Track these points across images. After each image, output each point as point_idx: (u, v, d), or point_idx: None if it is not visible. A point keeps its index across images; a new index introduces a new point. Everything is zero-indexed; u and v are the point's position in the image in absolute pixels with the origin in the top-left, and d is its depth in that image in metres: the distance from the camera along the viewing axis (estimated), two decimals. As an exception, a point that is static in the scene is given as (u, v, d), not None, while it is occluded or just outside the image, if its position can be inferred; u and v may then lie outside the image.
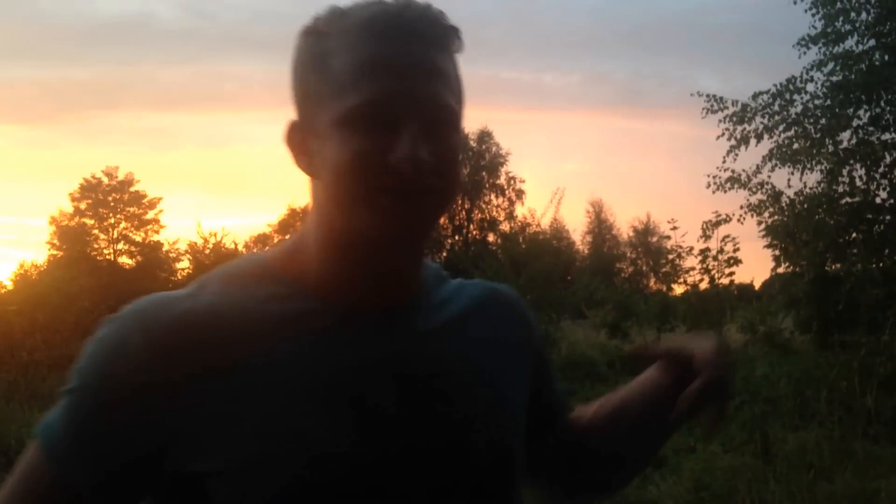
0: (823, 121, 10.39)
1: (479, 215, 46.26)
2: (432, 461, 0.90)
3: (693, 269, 12.74)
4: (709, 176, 11.34)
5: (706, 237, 11.85)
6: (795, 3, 10.61)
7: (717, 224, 11.57)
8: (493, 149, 45.89)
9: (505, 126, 65.60)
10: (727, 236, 11.96)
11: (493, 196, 46.23)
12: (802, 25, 11.03)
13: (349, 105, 0.84)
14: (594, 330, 15.38)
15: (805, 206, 10.60)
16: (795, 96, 10.67)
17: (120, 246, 39.85)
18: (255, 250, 44.22)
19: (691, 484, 5.40)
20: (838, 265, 10.79)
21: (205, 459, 0.82)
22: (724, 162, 11.21)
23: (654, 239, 44.89)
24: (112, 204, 39.55)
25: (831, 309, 10.29)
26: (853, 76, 10.14)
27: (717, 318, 12.17)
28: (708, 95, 11.13)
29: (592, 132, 66.81)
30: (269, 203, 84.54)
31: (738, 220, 11.35)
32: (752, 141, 10.93)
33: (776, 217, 10.94)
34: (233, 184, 64.46)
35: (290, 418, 0.84)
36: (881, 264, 10.21)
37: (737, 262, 12.07)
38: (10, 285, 19.93)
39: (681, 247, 13.08)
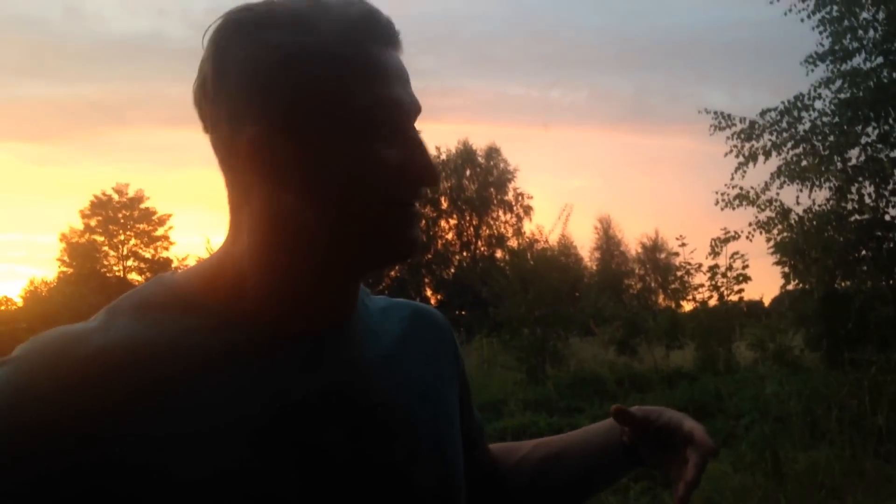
0: (832, 138, 10.39)
1: (487, 231, 46.30)
2: (380, 501, 0.84)
3: (702, 285, 12.74)
4: (717, 193, 11.33)
5: (715, 254, 11.84)
6: (803, 20, 10.62)
7: (726, 241, 11.56)
8: (501, 165, 46.02)
9: (513, 142, 65.80)
10: (736, 253, 11.96)
11: (501, 212, 46.32)
12: (810, 43, 11.06)
13: (364, 104, 0.79)
14: (602, 347, 15.32)
15: (814, 223, 10.57)
16: (803, 113, 10.67)
17: (129, 262, 40.07)
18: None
19: None
20: (848, 282, 10.75)
21: None
22: (732, 179, 11.21)
23: (663, 255, 44.79)
24: (122, 221, 39.77)
25: (841, 326, 10.23)
26: (861, 93, 10.14)
27: (727, 335, 12.14)
28: (715, 112, 11.15)
29: (600, 148, 66.93)
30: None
31: (747, 237, 11.33)
32: (761, 158, 10.92)
33: (785, 234, 10.92)
34: (242, 200, 64.66)
35: (227, 466, 0.74)
36: (891, 282, 10.16)
37: (746, 278, 12.06)
38: (19, 302, 20.04)
39: (689, 263, 13.09)
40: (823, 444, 5.89)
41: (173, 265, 40.56)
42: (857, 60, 10.51)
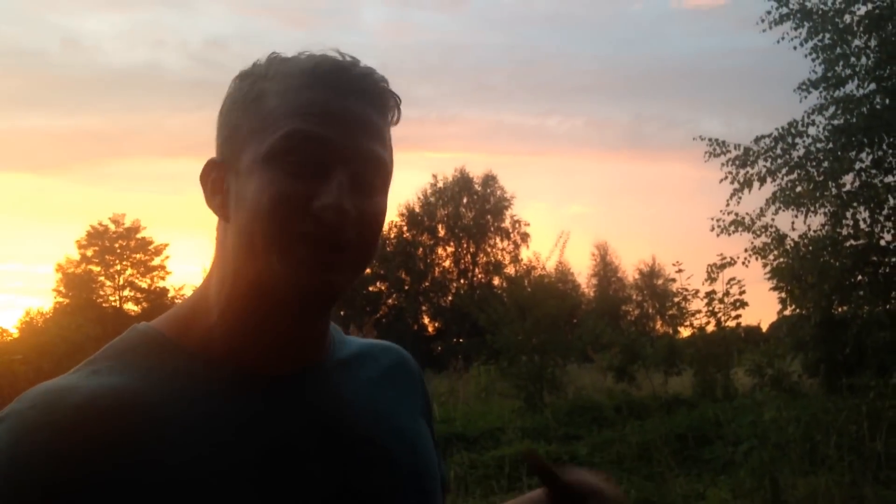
0: (826, 164, 10.45)
1: (485, 258, 46.29)
2: None
3: (699, 311, 12.75)
4: (712, 219, 11.38)
5: (711, 280, 11.86)
6: (795, 48, 10.74)
7: (723, 267, 11.58)
8: (498, 192, 46.12)
9: (509, 169, 66.05)
10: (733, 279, 11.97)
11: (498, 239, 46.32)
12: (803, 70, 11.19)
13: (277, 137, 0.81)
14: (601, 373, 15.27)
15: (810, 248, 10.60)
16: (797, 140, 10.75)
17: (126, 292, 39.95)
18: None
19: (701, 531, 5.33)
20: (845, 308, 10.75)
21: None
22: (727, 205, 11.26)
23: (660, 281, 44.76)
24: (118, 251, 39.74)
25: (839, 352, 10.22)
26: (854, 119, 10.22)
27: (724, 361, 12.12)
28: (710, 139, 11.22)
29: (597, 175, 67.14)
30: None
31: (743, 263, 11.35)
32: (756, 184, 10.98)
33: (781, 259, 10.94)
34: (239, 229, 64.67)
35: None
36: (888, 306, 10.17)
37: (743, 304, 12.06)
38: (15, 333, 19.97)
39: (686, 289, 13.09)
40: (823, 470, 5.86)
41: (170, 294, 40.48)
42: (850, 87, 10.62)
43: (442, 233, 46.45)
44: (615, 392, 12.84)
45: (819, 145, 10.66)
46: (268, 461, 0.80)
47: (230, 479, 0.77)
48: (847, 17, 10.41)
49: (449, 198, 46.24)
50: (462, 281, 45.98)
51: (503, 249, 46.27)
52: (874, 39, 10.30)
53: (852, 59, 10.52)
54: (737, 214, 11.19)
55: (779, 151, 10.81)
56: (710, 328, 12.54)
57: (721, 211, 11.31)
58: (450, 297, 44.44)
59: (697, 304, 12.74)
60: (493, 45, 60.86)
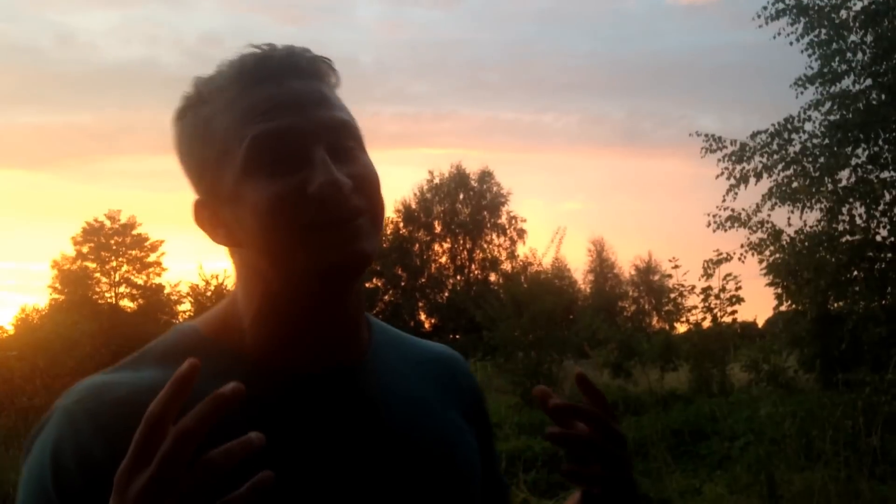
0: (822, 159, 10.46)
1: (481, 255, 46.29)
2: None
3: (695, 307, 12.77)
4: (709, 215, 11.39)
5: (708, 276, 11.87)
6: (792, 44, 10.75)
7: (719, 262, 11.60)
8: (495, 188, 46.10)
9: (505, 166, 65.93)
10: (729, 275, 11.99)
11: (494, 235, 46.31)
12: (799, 65, 11.19)
13: (244, 150, 0.81)
14: (597, 370, 15.29)
15: (806, 244, 10.62)
16: (794, 135, 10.76)
17: (121, 289, 39.85)
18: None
19: (697, 527, 5.34)
20: (841, 303, 10.77)
21: None
22: (723, 201, 11.27)
23: (656, 277, 44.78)
24: (114, 247, 39.65)
25: (835, 347, 10.24)
26: (851, 115, 10.23)
27: (721, 357, 12.14)
28: (706, 135, 11.23)
29: (592, 171, 67.10)
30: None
31: (740, 259, 11.37)
32: (752, 180, 10.99)
33: (777, 255, 10.96)
34: (235, 226, 64.55)
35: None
36: (883, 302, 10.19)
37: (739, 300, 12.08)
38: (11, 330, 19.93)
39: (682, 285, 13.11)
40: (819, 465, 5.88)
41: (165, 291, 40.43)
42: (847, 83, 10.63)
43: (438, 229, 46.44)
44: (611, 388, 12.86)
45: (815, 141, 10.68)
46: (301, 457, 0.82)
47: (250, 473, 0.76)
48: (843, 13, 10.41)
49: (445, 194, 46.23)
50: (458, 277, 45.99)
51: (499, 246, 46.29)
52: (870, 35, 10.30)
53: (848, 54, 10.53)
54: (733, 210, 11.20)
55: (775, 147, 10.83)
56: (707, 324, 12.57)
57: (717, 207, 11.33)
58: (446, 294, 44.46)
59: (694, 300, 12.78)
60: (488, 42, 60.82)
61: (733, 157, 11.04)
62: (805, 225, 10.85)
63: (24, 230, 59.56)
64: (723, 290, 12.05)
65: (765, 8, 10.81)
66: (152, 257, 40.55)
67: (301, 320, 0.86)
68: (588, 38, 61.12)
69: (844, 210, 10.52)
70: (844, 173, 10.57)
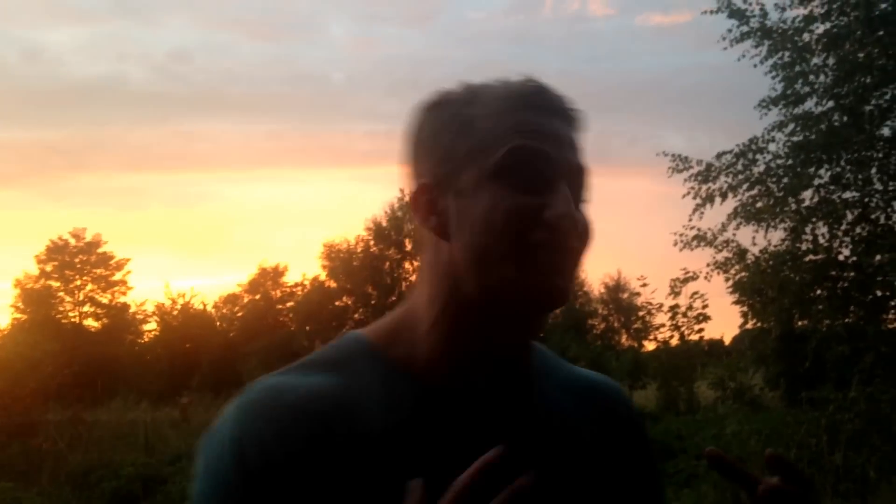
0: (786, 180, 10.60)
1: (451, 273, 46.36)
2: None
3: (663, 325, 12.84)
4: (675, 234, 11.47)
5: (675, 294, 11.95)
6: (756, 66, 10.92)
7: (686, 281, 11.67)
8: (464, 207, 46.27)
9: (476, 185, 66.14)
10: (696, 293, 12.08)
11: (464, 254, 46.44)
12: (763, 87, 11.33)
13: (503, 153, 0.86)
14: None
15: (770, 263, 10.74)
16: (758, 156, 10.88)
17: (86, 308, 39.23)
18: (224, 311, 43.60)
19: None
20: (805, 322, 10.90)
21: None
22: (690, 220, 11.37)
23: (626, 295, 45.10)
24: (79, 266, 39.05)
25: (799, 365, 10.35)
26: (814, 136, 10.39)
27: (688, 375, 12.23)
28: (673, 155, 11.33)
29: (562, 190, 67.59)
30: (239, 263, 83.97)
31: (706, 278, 11.46)
32: (717, 199, 11.10)
33: (742, 274, 11.07)
34: (202, 244, 64.05)
35: None
36: (846, 321, 10.33)
37: (706, 318, 12.16)
38: (-29, 350, 19.41)
39: (651, 303, 13.20)
40: (784, 483, 5.90)
41: (131, 310, 39.86)
42: (810, 104, 10.79)
43: (409, 247, 46.44)
44: (580, 406, 12.88)
45: (779, 161, 10.82)
46: (452, 475, 0.81)
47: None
48: (806, 36, 10.60)
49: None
50: (428, 296, 45.97)
51: (470, 264, 46.41)
52: (832, 58, 10.50)
53: (811, 76, 10.71)
54: (699, 229, 11.30)
55: (740, 167, 10.94)
56: (674, 342, 12.66)
57: (684, 226, 11.42)
58: (416, 312, 44.40)
59: (661, 318, 12.85)
60: (460, 61, 61.08)
61: (699, 177, 11.14)
62: (769, 244, 10.97)
63: (-13, 248, 58.49)
64: (690, 308, 12.14)
65: (730, 30, 10.98)
66: (117, 276, 40.00)
67: (480, 333, 0.88)
68: (558, 57, 61.70)
69: (808, 230, 10.65)
70: (808, 193, 10.71)
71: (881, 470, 5.98)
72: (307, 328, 38.42)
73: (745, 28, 10.86)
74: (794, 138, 10.69)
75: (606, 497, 0.94)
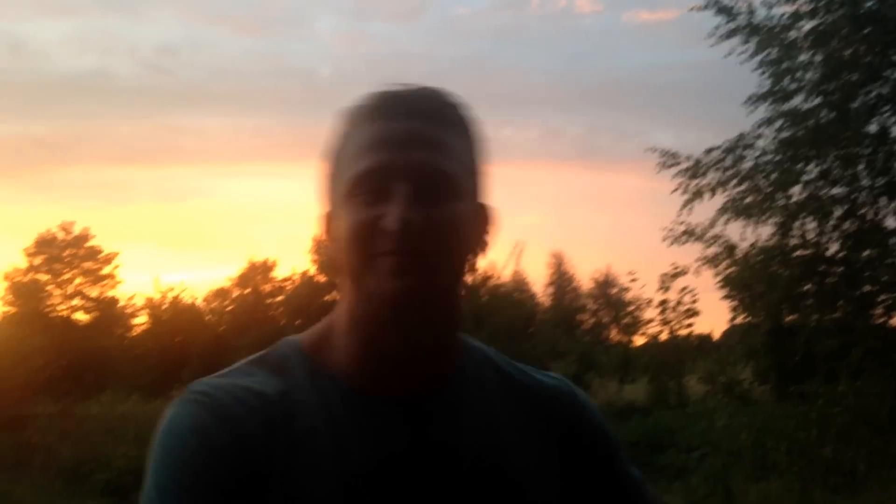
0: (774, 175, 10.66)
1: (441, 268, 46.30)
2: None
3: (653, 320, 12.91)
4: (664, 229, 11.52)
5: (665, 289, 12.02)
6: (743, 63, 10.96)
7: (675, 276, 11.76)
8: (454, 202, 46.17)
9: (465, 179, 65.92)
10: (685, 288, 12.16)
11: (454, 249, 46.36)
12: (751, 84, 11.38)
13: (348, 177, 0.91)
14: (556, 382, 15.35)
15: (759, 258, 10.80)
16: (746, 152, 10.93)
17: (75, 302, 38.99)
18: (213, 305, 43.39)
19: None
20: (794, 316, 10.97)
21: None
22: (679, 216, 11.42)
23: (615, 290, 45.21)
24: (67, 259, 38.80)
25: (789, 359, 10.42)
26: (801, 132, 10.45)
27: (678, 369, 12.29)
28: (662, 151, 11.37)
29: (551, 186, 67.38)
30: (229, 256, 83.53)
31: (695, 273, 11.52)
32: (706, 195, 11.15)
33: (731, 269, 11.12)
34: (191, 238, 63.67)
35: None
36: (835, 315, 10.40)
37: (695, 313, 12.25)
38: (-41, 344, 19.32)
39: (640, 298, 13.28)
40: (774, 476, 5.97)
41: (120, 304, 39.66)
42: (797, 101, 10.85)
43: (398, 242, 46.43)
44: (571, 400, 12.89)
45: (767, 157, 10.87)
46: (376, 474, 0.89)
47: (333, 490, 0.88)
48: (793, 33, 10.66)
49: (405, 207, 46.22)
50: (418, 290, 45.91)
51: (459, 258, 46.33)
52: (819, 55, 10.55)
53: (799, 73, 10.76)
54: (688, 225, 11.35)
55: (728, 163, 10.99)
56: (664, 336, 12.72)
57: (672, 221, 11.47)
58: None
59: (651, 313, 12.92)
60: (447, 57, 60.80)
61: (688, 173, 11.18)
62: (758, 239, 11.04)
63: (-27, 242, 58.02)
64: (679, 303, 12.21)
65: (717, 27, 11.02)
66: (106, 269, 39.76)
67: (379, 338, 0.93)
68: (546, 54, 61.64)
69: (796, 225, 10.71)
70: (796, 189, 10.77)
71: (870, 463, 6.05)
72: (297, 322, 38.32)
73: (732, 25, 10.90)
74: (782, 134, 10.74)
75: (530, 492, 0.97)
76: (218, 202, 60.29)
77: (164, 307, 37.06)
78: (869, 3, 9.89)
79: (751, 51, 10.88)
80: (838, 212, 10.64)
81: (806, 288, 10.74)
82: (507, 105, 62.25)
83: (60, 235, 38.95)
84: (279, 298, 43.06)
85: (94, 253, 39.56)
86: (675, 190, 11.32)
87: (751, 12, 10.67)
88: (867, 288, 10.25)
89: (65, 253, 38.89)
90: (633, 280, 13.26)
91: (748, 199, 10.82)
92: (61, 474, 11.26)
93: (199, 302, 41.99)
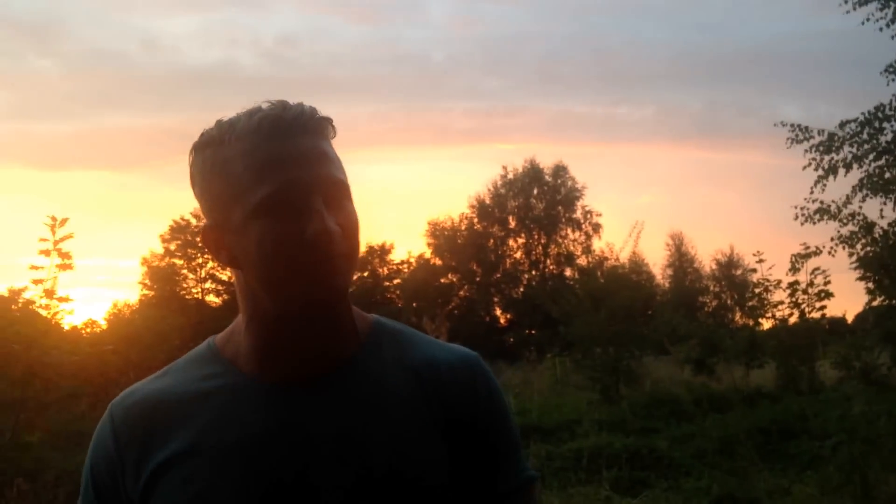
0: (916, 148, 10.04)
1: (556, 250, 46.00)
2: None
3: (781, 302, 12.41)
4: (796, 207, 11.06)
5: (795, 270, 11.53)
6: (882, 30, 10.34)
7: (807, 256, 11.26)
8: (569, 183, 45.71)
9: (579, 160, 65.32)
10: (817, 269, 11.61)
11: (569, 230, 45.95)
12: (889, 52, 10.71)
13: (259, 197, 0.97)
14: (678, 366, 15.01)
15: (899, 236, 10.21)
16: (885, 124, 10.35)
17: (207, 285, 41.06)
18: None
19: (787, 527, 5.21)
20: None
21: None
22: (811, 192, 10.92)
23: (739, 272, 43.64)
24: (200, 244, 40.83)
25: (931, 344, 9.82)
26: (947, 101, 9.79)
27: (809, 354, 11.78)
28: (792, 125, 10.90)
29: (668, 164, 65.65)
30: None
31: (829, 253, 11.00)
32: (841, 171, 10.62)
33: (869, 249, 10.56)
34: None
35: (205, 491, 0.99)
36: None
37: (828, 295, 11.69)
38: (104, 325, 20.73)
39: (768, 280, 12.76)
40: (916, 466, 5.66)
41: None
42: (941, 68, 10.16)
43: (513, 224, 46.37)
44: (694, 385, 12.60)
45: (909, 129, 10.25)
46: (246, 454, 1.01)
47: (220, 459, 1.00)
48: (939, -5, 9.96)
49: (519, 189, 46.09)
50: (533, 272, 45.82)
51: (575, 240, 45.91)
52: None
53: (944, 38, 10.06)
54: (822, 202, 10.85)
55: (865, 136, 10.43)
56: (793, 319, 12.21)
57: (805, 199, 10.99)
58: (521, 289, 44.33)
59: (779, 295, 12.42)
60: (561, 35, 60.29)
61: (821, 148, 10.68)
62: (899, 217, 10.43)
63: (114, 228, 61.99)
64: (811, 284, 11.69)
65: (853, -7, 10.43)
66: (235, 254, 41.61)
67: (283, 335, 1.04)
68: (663, 27, 59.90)
69: (941, 201, 10.07)
70: (941, 162, 10.12)
71: None
72: (414, 304, 39.01)
73: (871, -11, 10.29)
74: (926, 104, 10.09)
75: (399, 471, 1.01)
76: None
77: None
78: None
79: (889, 17, 10.26)
80: None
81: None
82: (623, 83, 61.01)
83: (193, 222, 41.01)
84: (396, 281, 43.96)
85: (223, 238, 41.45)
86: (807, 166, 10.86)
87: (890, -25, 10.06)
88: None
89: (197, 238, 40.94)
90: (759, 261, 12.72)
91: (887, 175, 10.24)
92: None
93: (321, 285, 43.26)
